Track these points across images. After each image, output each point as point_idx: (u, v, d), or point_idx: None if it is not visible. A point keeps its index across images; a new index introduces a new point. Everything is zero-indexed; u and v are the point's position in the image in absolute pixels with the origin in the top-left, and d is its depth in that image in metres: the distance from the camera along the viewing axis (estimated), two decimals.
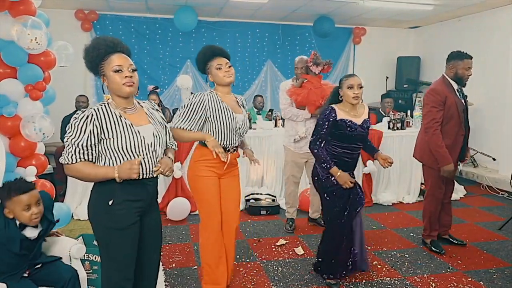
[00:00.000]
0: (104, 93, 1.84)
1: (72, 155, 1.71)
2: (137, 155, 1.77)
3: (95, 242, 2.56)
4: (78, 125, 1.70)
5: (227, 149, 2.47)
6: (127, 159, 1.76)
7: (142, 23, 6.73)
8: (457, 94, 3.20)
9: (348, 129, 2.62)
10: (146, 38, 6.74)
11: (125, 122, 1.77)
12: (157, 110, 2.00)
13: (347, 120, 2.62)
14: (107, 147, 1.75)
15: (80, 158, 1.72)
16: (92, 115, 1.72)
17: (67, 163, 1.73)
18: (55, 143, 5.10)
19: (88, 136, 1.70)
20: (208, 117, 2.41)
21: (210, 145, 2.33)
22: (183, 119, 2.39)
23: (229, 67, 2.43)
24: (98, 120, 1.72)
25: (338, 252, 2.75)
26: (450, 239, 3.55)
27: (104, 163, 1.78)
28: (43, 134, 2.56)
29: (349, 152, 2.69)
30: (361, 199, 2.76)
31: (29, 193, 2.01)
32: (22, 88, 2.56)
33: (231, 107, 2.46)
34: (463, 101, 3.22)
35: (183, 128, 2.39)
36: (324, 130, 2.63)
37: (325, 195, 2.71)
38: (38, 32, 2.43)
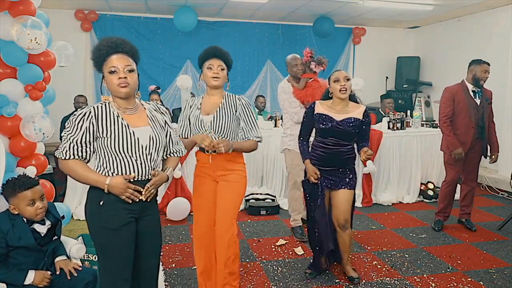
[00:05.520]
0: (102, 94, 1.85)
1: (66, 150, 1.74)
2: (130, 156, 1.77)
3: None
4: (75, 121, 1.74)
5: (206, 150, 2.35)
6: (121, 159, 1.77)
7: (142, 23, 6.74)
8: (471, 94, 3.70)
9: (322, 122, 2.69)
10: (146, 38, 6.74)
11: (121, 122, 1.78)
12: (162, 113, 1.96)
13: (323, 114, 2.70)
14: (102, 146, 1.77)
15: (74, 154, 1.74)
16: (90, 112, 1.75)
17: (61, 158, 1.75)
18: (55, 143, 5.09)
19: (83, 133, 1.73)
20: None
21: (198, 141, 2.33)
22: (180, 127, 2.49)
23: (221, 70, 2.35)
24: (95, 118, 1.75)
25: (317, 244, 2.82)
26: (466, 223, 3.97)
27: (99, 162, 1.80)
28: (43, 134, 2.56)
29: (325, 147, 2.73)
30: (319, 191, 2.78)
31: (33, 188, 2.04)
32: (22, 88, 2.56)
33: (205, 109, 2.40)
34: (477, 100, 3.70)
35: (184, 137, 2.47)
36: (307, 123, 2.82)
37: (304, 185, 2.88)
38: (38, 32, 2.43)
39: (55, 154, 1.77)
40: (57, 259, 2.15)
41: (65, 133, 1.75)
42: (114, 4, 6.07)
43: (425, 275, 2.98)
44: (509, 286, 2.85)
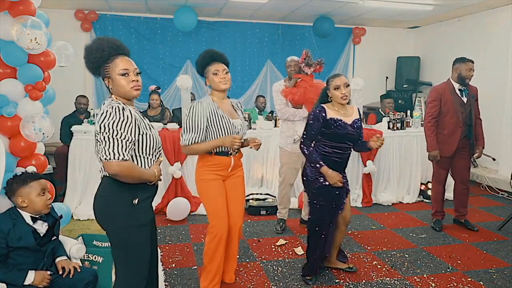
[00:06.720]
0: (111, 94, 1.83)
1: (126, 149, 1.67)
2: (151, 154, 1.82)
3: (95, 242, 2.58)
4: (125, 124, 1.67)
5: (229, 152, 2.50)
6: (143, 158, 1.79)
7: (142, 23, 6.74)
8: (457, 92, 3.69)
9: (338, 128, 2.64)
10: (146, 38, 6.74)
11: (147, 123, 1.83)
12: None
13: (337, 119, 2.65)
14: (138, 143, 1.77)
15: (129, 155, 1.70)
16: (132, 115, 1.71)
17: (123, 159, 1.66)
18: (55, 143, 5.09)
19: (135, 132, 1.71)
20: (207, 125, 2.43)
21: (228, 144, 2.40)
22: (193, 134, 2.42)
23: (226, 73, 2.45)
24: (135, 121, 1.73)
25: (320, 248, 2.78)
26: (465, 223, 3.94)
27: None
28: (43, 134, 2.56)
29: (339, 152, 2.70)
30: (345, 194, 2.79)
31: (42, 180, 2.13)
32: (22, 88, 2.56)
33: (228, 113, 2.50)
34: (464, 99, 3.68)
35: (197, 142, 2.43)
36: (315, 129, 2.67)
37: (311, 195, 2.76)
38: (38, 32, 2.43)
39: (115, 158, 1.64)
40: (58, 259, 2.16)
41: (117, 133, 1.65)
42: (114, 4, 6.07)
43: (425, 275, 2.98)
44: (509, 286, 2.85)
